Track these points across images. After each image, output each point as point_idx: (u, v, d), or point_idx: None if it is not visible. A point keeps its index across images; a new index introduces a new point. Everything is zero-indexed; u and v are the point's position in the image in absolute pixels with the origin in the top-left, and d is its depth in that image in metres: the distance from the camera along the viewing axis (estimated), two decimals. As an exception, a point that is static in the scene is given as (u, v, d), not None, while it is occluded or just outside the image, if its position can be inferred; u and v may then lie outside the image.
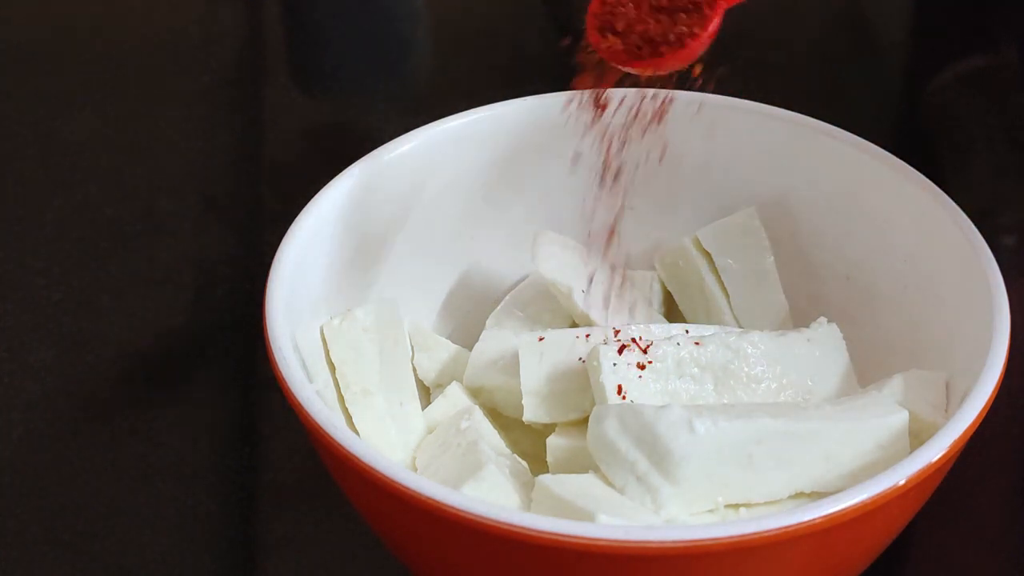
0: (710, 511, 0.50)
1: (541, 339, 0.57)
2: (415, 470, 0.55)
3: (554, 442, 0.56)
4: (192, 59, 0.96)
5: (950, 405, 0.54)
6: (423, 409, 0.59)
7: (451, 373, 0.62)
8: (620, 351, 0.55)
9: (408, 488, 0.47)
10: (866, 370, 0.59)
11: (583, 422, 0.55)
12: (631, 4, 0.53)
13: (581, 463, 0.55)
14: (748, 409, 0.52)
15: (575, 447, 0.55)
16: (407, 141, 0.63)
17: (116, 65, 0.95)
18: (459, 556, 0.50)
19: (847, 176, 0.62)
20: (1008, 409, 0.66)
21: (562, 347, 0.57)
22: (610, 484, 0.50)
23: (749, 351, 0.56)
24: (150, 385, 0.71)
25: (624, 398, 0.54)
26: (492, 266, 0.66)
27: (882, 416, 0.52)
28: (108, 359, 0.72)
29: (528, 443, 0.59)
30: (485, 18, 1.02)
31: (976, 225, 0.58)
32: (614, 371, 0.54)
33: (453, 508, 0.46)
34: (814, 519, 0.46)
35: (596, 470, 0.51)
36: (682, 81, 0.55)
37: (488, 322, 0.63)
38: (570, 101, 0.56)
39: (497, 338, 0.61)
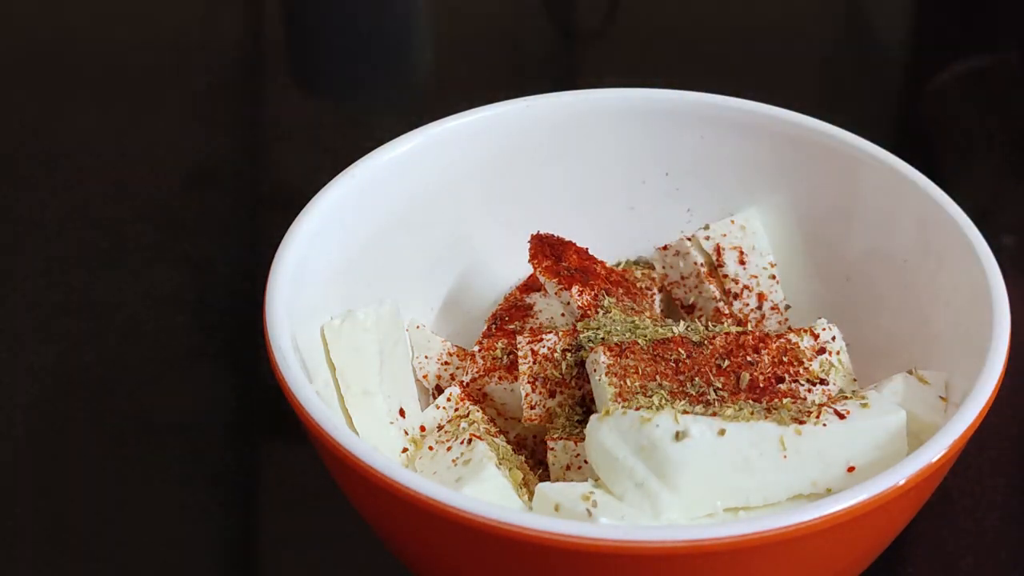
0: (709, 515, 0.50)
1: (540, 339, 0.57)
2: (415, 471, 0.55)
3: (554, 443, 0.56)
4: (192, 59, 0.96)
5: (950, 405, 0.54)
6: (423, 409, 0.59)
7: (451, 373, 0.62)
8: (620, 352, 0.54)
9: (408, 488, 0.47)
10: (866, 370, 0.59)
11: (583, 423, 0.55)
12: None
13: (582, 463, 0.55)
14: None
15: (575, 447, 0.55)
16: (407, 141, 0.63)
17: (116, 65, 0.95)
18: (459, 556, 0.50)
19: (847, 176, 0.62)
20: (1008, 409, 0.66)
21: (561, 347, 0.57)
22: (609, 492, 0.50)
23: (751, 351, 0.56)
24: (150, 385, 0.71)
25: (624, 398, 0.54)
26: (492, 266, 0.66)
27: (881, 416, 0.52)
28: (107, 359, 0.72)
29: (528, 444, 0.59)
30: (485, 18, 1.02)
31: (976, 225, 0.58)
32: (614, 372, 0.54)
33: (453, 508, 0.46)
34: (814, 519, 0.46)
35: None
36: None
37: (487, 322, 0.63)
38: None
39: (496, 339, 0.61)
